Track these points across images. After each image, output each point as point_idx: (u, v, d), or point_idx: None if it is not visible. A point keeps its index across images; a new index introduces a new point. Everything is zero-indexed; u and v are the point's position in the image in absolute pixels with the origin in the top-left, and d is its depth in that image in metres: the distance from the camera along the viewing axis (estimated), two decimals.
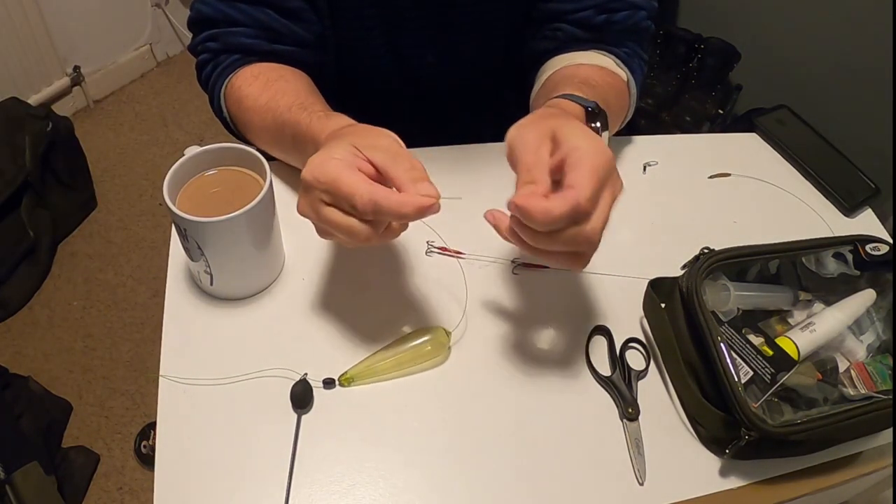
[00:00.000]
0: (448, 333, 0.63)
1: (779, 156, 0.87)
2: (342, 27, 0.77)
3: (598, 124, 0.61)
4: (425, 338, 0.62)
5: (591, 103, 0.62)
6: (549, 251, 0.51)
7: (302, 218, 0.71)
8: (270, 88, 0.69)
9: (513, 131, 0.54)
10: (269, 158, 0.75)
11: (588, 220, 0.49)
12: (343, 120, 0.60)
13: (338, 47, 0.79)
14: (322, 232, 0.55)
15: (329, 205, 0.51)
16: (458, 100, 0.88)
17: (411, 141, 0.57)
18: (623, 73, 0.74)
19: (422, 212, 0.48)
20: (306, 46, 0.74)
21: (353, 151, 0.51)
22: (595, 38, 0.75)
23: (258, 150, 0.62)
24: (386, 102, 0.85)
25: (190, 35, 0.75)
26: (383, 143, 0.53)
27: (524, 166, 0.50)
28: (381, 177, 0.51)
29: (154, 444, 1.32)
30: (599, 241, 0.51)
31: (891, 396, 0.58)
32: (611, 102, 0.69)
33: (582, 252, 0.51)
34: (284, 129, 0.66)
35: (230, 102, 0.73)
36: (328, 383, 0.60)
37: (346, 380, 0.60)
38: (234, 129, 0.76)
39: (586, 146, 0.49)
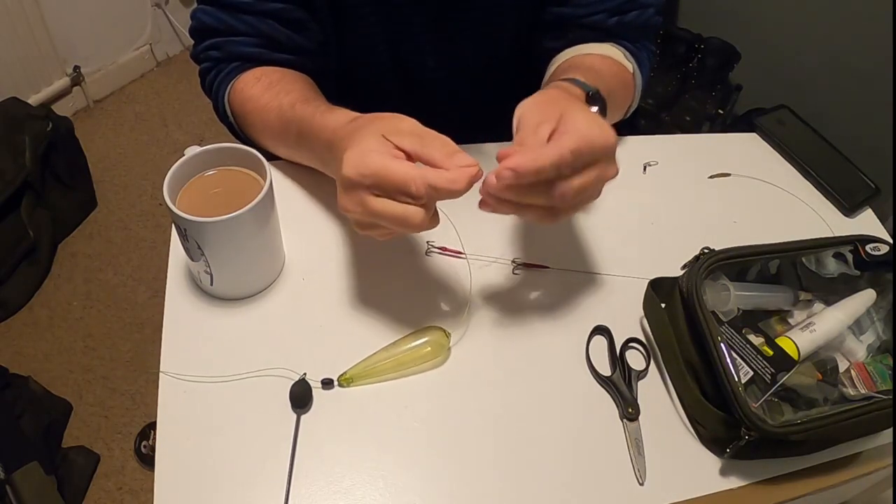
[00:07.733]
0: (448, 335, 0.63)
1: (779, 156, 0.87)
2: (345, 34, 0.77)
3: (597, 108, 0.62)
4: (425, 338, 0.62)
5: (593, 88, 0.63)
6: (526, 204, 0.52)
7: (302, 218, 0.72)
8: (273, 88, 0.69)
9: (520, 109, 0.56)
10: (275, 158, 0.75)
11: (569, 178, 0.51)
12: (346, 114, 0.61)
13: (339, 54, 0.79)
14: (364, 226, 0.54)
15: (378, 196, 0.51)
16: (458, 107, 0.88)
17: None
18: (630, 64, 0.75)
19: (471, 182, 0.50)
20: (307, 54, 0.74)
21: (384, 141, 0.52)
22: (606, 37, 0.76)
23: (261, 150, 0.62)
24: (386, 108, 0.85)
25: (190, 37, 0.75)
26: (405, 126, 0.53)
27: (519, 141, 0.53)
28: (412, 160, 0.52)
29: (154, 444, 1.32)
30: (575, 204, 0.53)
31: (891, 396, 0.58)
32: (615, 92, 0.71)
33: (557, 208, 0.53)
34: (289, 126, 0.66)
35: (234, 106, 0.73)
36: (327, 383, 0.60)
37: (345, 380, 0.60)
38: (240, 133, 0.76)
39: (587, 124, 0.51)
